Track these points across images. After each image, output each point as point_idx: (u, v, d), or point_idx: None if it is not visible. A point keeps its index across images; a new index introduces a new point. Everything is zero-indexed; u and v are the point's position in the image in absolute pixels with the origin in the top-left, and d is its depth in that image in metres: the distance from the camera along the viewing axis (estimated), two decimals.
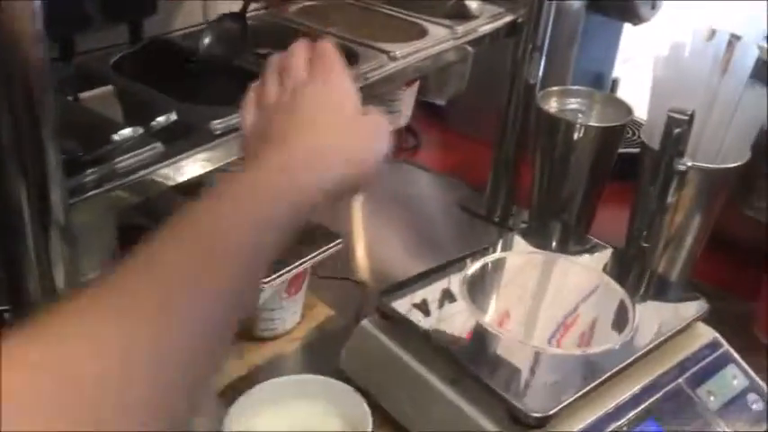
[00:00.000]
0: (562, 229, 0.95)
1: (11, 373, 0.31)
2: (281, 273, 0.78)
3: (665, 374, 0.72)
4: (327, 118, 0.52)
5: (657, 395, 0.71)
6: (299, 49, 0.56)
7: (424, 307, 0.75)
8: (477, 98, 1.16)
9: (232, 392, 0.72)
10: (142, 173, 0.59)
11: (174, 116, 0.57)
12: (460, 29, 0.91)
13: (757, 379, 0.76)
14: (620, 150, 0.99)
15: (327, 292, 0.92)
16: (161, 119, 0.57)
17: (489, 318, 0.74)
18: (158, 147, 0.60)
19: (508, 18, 0.97)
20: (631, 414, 0.68)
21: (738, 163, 0.87)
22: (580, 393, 0.65)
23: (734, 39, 0.88)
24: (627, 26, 1.24)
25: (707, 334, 0.78)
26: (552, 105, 1.00)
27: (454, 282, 0.78)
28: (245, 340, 0.84)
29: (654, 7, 1.17)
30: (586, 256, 0.88)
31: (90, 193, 0.56)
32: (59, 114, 0.48)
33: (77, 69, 0.75)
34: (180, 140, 0.63)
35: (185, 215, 0.43)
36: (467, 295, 0.77)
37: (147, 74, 0.74)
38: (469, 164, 1.21)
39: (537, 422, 0.63)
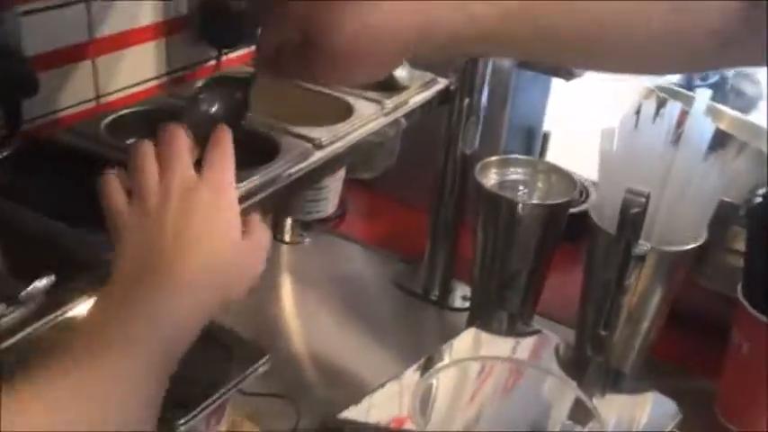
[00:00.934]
0: (508, 313, 0.88)
1: None
2: (198, 411, 0.66)
3: None
4: (213, 241, 0.51)
5: None
6: (183, 135, 0.53)
7: None
8: (408, 163, 1.07)
9: None
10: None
11: (51, 279, 0.45)
12: (389, 102, 0.82)
13: None
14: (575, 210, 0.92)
15: (256, 409, 0.80)
16: (34, 286, 0.44)
17: None
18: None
19: (440, 86, 0.89)
20: None
21: (696, 244, 0.81)
22: None
23: (685, 109, 0.82)
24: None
25: None
26: (492, 178, 0.92)
27: (404, 401, 0.69)
28: None
29: None
30: (536, 347, 0.80)
31: None
32: None
33: None
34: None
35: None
36: (418, 414, 0.67)
37: (23, 186, 0.61)
38: (401, 233, 1.11)
39: None
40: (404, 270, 1.05)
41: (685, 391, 0.83)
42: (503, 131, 1.10)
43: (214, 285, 0.51)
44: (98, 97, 0.90)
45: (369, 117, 0.79)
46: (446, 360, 0.76)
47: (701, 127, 0.79)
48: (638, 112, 0.81)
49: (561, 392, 0.73)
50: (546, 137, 1.24)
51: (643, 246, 0.77)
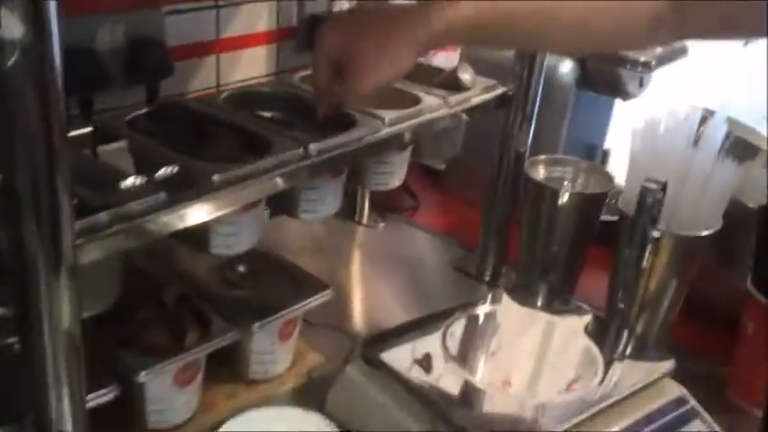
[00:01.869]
0: (547, 289, 1.00)
1: None
2: (273, 317, 0.84)
3: (632, 425, 0.76)
4: None
5: None
6: None
7: (405, 355, 0.80)
8: (472, 165, 1.22)
9: None
10: (146, 218, 0.65)
11: (176, 168, 0.64)
12: (453, 99, 0.98)
13: None
14: (605, 218, 1.05)
15: (318, 340, 0.96)
16: (164, 170, 0.63)
17: (467, 367, 0.79)
18: (162, 195, 0.66)
19: (499, 90, 1.04)
20: None
21: (711, 231, 0.92)
22: None
23: (707, 114, 0.94)
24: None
25: (674, 390, 0.82)
26: (540, 173, 1.06)
27: (437, 332, 0.83)
28: (236, 382, 0.88)
29: (642, 84, 1.24)
30: (568, 317, 0.92)
31: (96, 235, 0.62)
32: (74, 165, 0.54)
33: (96, 125, 0.82)
34: (183, 191, 0.69)
35: None
36: (447, 345, 0.81)
37: (158, 132, 0.81)
38: (463, 225, 1.26)
39: None
40: (461, 255, 1.20)
41: (702, 375, 0.93)
42: (560, 143, 1.23)
43: None
44: (218, 86, 1.11)
45: (432, 108, 0.95)
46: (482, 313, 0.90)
47: (718, 131, 0.91)
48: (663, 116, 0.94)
49: (581, 352, 0.85)
50: (606, 154, 1.37)
51: (659, 229, 0.90)
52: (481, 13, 0.70)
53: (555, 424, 0.72)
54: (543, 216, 1.03)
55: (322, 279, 0.91)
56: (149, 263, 0.92)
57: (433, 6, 0.72)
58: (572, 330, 0.86)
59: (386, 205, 1.31)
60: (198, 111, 0.87)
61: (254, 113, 0.90)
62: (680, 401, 0.81)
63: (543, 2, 0.70)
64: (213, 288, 0.91)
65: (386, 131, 0.88)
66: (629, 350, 0.88)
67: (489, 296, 0.93)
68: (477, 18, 0.70)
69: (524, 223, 1.06)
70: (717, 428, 0.80)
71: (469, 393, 0.76)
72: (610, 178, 1.04)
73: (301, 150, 0.78)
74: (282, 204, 0.88)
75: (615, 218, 1.01)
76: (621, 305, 0.94)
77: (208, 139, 0.82)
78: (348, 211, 1.27)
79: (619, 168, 1.13)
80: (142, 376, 0.74)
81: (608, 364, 0.80)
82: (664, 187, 0.88)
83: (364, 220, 1.27)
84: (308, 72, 1.03)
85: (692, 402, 0.81)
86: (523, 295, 0.96)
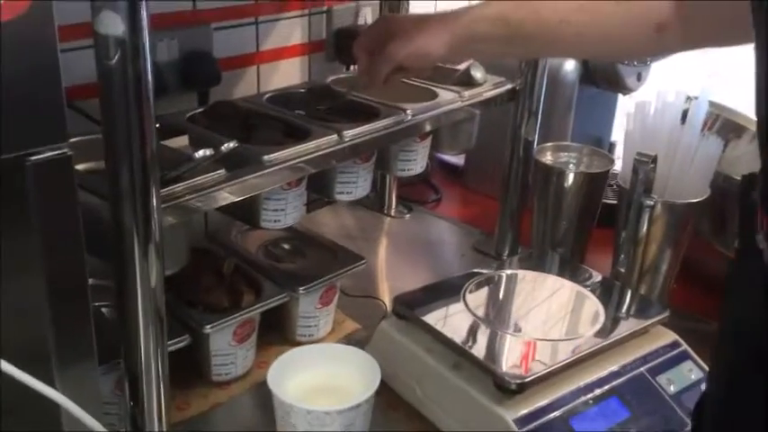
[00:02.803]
0: (558, 259, 1.12)
1: None
2: (316, 283, 0.96)
3: (630, 364, 0.88)
4: None
5: (621, 379, 0.86)
6: None
7: (432, 308, 0.92)
8: (489, 161, 1.36)
9: None
10: (210, 190, 0.79)
11: (235, 143, 0.77)
12: (467, 94, 1.11)
13: None
14: (608, 201, 1.17)
15: (355, 310, 1.09)
16: (226, 145, 0.76)
17: (484, 318, 0.91)
18: (222, 172, 0.80)
19: (508, 86, 1.17)
20: (597, 392, 0.84)
21: (699, 199, 1.03)
22: (552, 368, 0.81)
23: (693, 98, 1.06)
24: None
25: (668, 336, 0.93)
26: (547, 158, 1.18)
27: (458, 289, 0.95)
28: (284, 345, 1.01)
29: (640, 79, 1.36)
30: (576, 279, 1.04)
31: (173, 202, 0.76)
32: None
33: (160, 122, 0.96)
34: (239, 169, 0.82)
35: None
36: (467, 300, 0.93)
37: (213, 126, 0.95)
38: (482, 215, 1.38)
39: (518, 387, 0.79)
40: (481, 238, 1.32)
41: (698, 332, 1.03)
42: (567, 135, 1.35)
43: None
44: (259, 93, 1.25)
45: (448, 101, 1.08)
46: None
47: (701, 110, 1.03)
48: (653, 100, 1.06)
49: (584, 303, 0.97)
50: (612, 145, 1.49)
51: (653, 198, 1.01)
52: (502, 11, 0.81)
53: (558, 358, 0.83)
54: (552, 195, 1.15)
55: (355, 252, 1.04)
56: (209, 243, 1.06)
57: (463, 9, 0.85)
58: (578, 290, 0.97)
59: (411, 198, 1.44)
60: (245, 108, 1.01)
61: (292, 110, 1.04)
62: (673, 345, 0.92)
63: (558, 2, 0.78)
64: (262, 262, 1.04)
65: (408, 121, 1.01)
66: (629, 305, 0.99)
67: (506, 263, 1.06)
68: (499, 14, 0.81)
69: (535, 203, 1.18)
70: (706, 368, 0.91)
71: (486, 337, 0.88)
72: (611, 159, 1.16)
73: (336, 136, 0.92)
74: (320, 188, 1.01)
75: (616, 201, 1.13)
76: (620, 268, 1.06)
77: (255, 129, 0.95)
78: (377, 204, 1.41)
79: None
80: (207, 329, 0.88)
81: (609, 316, 0.92)
82: (654, 160, 1.00)
83: (392, 212, 1.40)
84: (337, 76, 1.18)
85: (684, 346, 0.92)
86: (536, 263, 1.07)
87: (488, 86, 1.15)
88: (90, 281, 0.62)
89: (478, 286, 0.97)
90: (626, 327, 0.90)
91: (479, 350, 0.85)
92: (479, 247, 1.30)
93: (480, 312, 0.92)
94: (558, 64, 1.30)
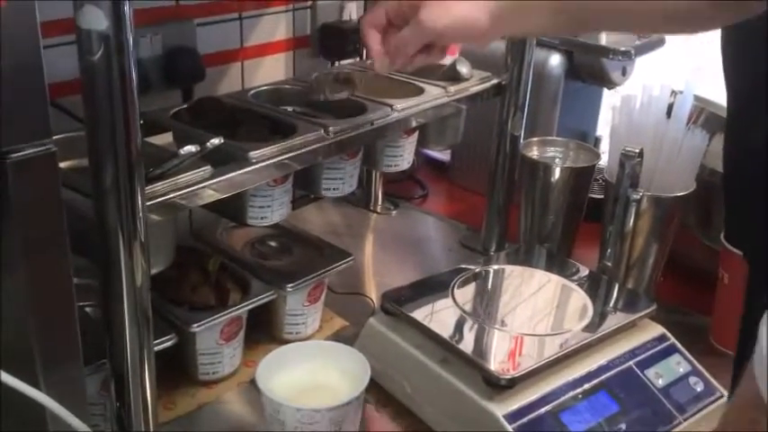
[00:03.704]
0: (546, 253, 1.12)
1: None
2: (303, 280, 0.96)
3: (618, 358, 0.88)
4: None
5: (610, 373, 0.86)
6: None
7: (420, 304, 0.92)
8: (476, 157, 1.36)
9: None
10: (195, 187, 0.78)
11: (221, 140, 0.76)
12: (453, 89, 1.10)
13: (699, 366, 0.91)
14: (594, 196, 1.17)
15: (342, 307, 1.08)
16: (213, 141, 0.75)
17: (473, 311, 0.91)
18: (208, 168, 0.79)
19: (494, 81, 1.16)
20: (586, 386, 0.84)
21: (685, 192, 1.04)
22: (540, 363, 0.81)
23: (676, 92, 1.06)
24: None
25: (656, 329, 0.93)
26: (534, 152, 1.18)
27: (446, 285, 0.95)
28: (272, 343, 1.00)
29: (624, 74, 1.37)
30: (563, 273, 1.04)
31: (158, 200, 0.75)
32: None
33: (144, 119, 0.95)
34: (225, 166, 0.82)
35: None
36: (455, 296, 0.93)
37: (198, 122, 0.94)
38: (468, 211, 1.38)
39: (507, 383, 0.79)
40: (468, 234, 1.32)
41: (685, 324, 1.04)
42: (553, 130, 1.35)
43: None
44: (243, 90, 1.24)
45: (434, 96, 1.08)
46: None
47: (686, 104, 1.03)
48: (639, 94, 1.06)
49: (571, 297, 0.97)
50: (597, 140, 1.49)
51: (638, 191, 1.01)
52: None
53: (547, 353, 0.83)
54: (539, 189, 1.15)
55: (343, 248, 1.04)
56: (195, 242, 1.05)
57: None
58: (566, 284, 0.97)
59: (398, 195, 1.44)
60: (230, 104, 1.00)
61: (277, 106, 1.03)
62: (661, 338, 0.92)
63: None
64: (249, 260, 1.04)
65: (394, 116, 1.01)
66: (616, 299, 0.99)
67: (494, 258, 1.05)
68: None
69: (522, 198, 1.18)
70: (694, 361, 0.91)
71: (474, 333, 0.88)
72: (596, 154, 1.16)
73: (322, 132, 0.91)
74: (307, 184, 1.01)
75: (602, 196, 1.13)
76: (609, 263, 1.06)
77: (241, 126, 0.94)
78: (363, 201, 1.40)
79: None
80: (194, 328, 0.87)
81: (597, 311, 0.92)
82: (640, 154, 1.00)
83: (379, 208, 1.39)
84: (323, 72, 1.17)
85: (672, 339, 0.92)
86: (524, 258, 1.07)
87: (475, 81, 1.15)
88: (74, 280, 0.62)
89: (466, 282, 0.97)
90: (614, 321, 0.90)
91: (468, 346, 0.85)
92: (466, 242, 1.30)
93: (469, 308, 0.92)
94: (543, 58, 1.30)
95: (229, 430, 0.89)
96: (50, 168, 0.55)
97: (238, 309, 0.91)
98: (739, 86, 0.85)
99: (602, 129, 1.49)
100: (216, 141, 0.75)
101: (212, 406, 0.91)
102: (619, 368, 0.87)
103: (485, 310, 0.94)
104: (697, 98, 1.08)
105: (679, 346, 0.92)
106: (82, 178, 0.70)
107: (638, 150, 0.99)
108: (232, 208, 0.90)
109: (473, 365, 0.82)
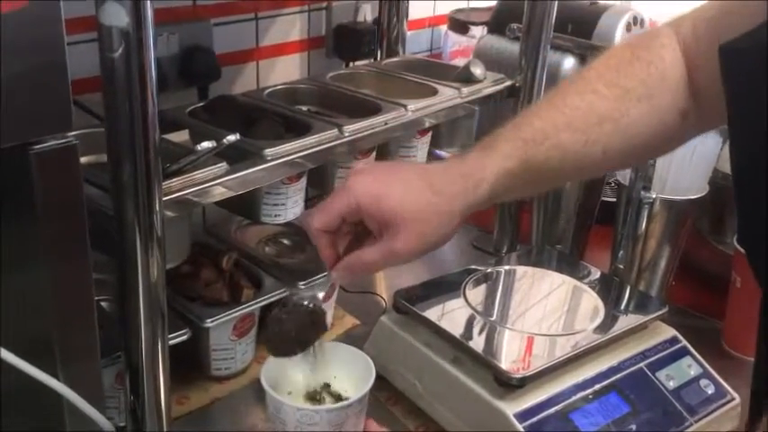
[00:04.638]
0: (558, 255, 1.12)
1: None
2: (315, 278, 0.96)
3: (629, 359, 0.88)
4: None
5: (621, 374, 0.86)
6: None
7: (432, 303, 0.92)
8: None
9: None
10: (211, 183, 0.79)
11: (237, 136, 0.77)
12: (466, 90, 1.11)
13: (710, 369, 0.91)
14: (606, 199, 1.17)
15: (354, 305, 1.09)
16: (229, 137, 0.76)
17: (485, 311, 0.91)
18: (224, 165, 0.80)
19: (508, 82, 1.17)
20: (597, 387, 0.84)
21: (698, 195, 1.04)
22: (552, 363, 0.81)
23: None
24: None
25: (667, 331, 0.93)
26: None
27: (457, 285, 0.95)
28: None
29: None
30: (575, 275, 1.04)
31: (173, 196, 0.75)
32: None
33: (161, 117, 0.96)
34: (240, 163, 0.82)
35: None
36: (466, 296, 0.94)
37: (214, 120, 0.95)
38: (481, 212, 1.34)
39: (518, 382, 0.79)
40: (480, 236, 1.32)
41: (697, 328, 1.04)
42: None
43: None
44: (258, 89, 1.25)
45: (448, 97, 1.08)
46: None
47: None
48: None
49: (583, 299, 0.97)
50: None
51: (651, 194, 1.02)
52: (521, 158, 0.71)
53: (558, 354, 0.83)
54: (551, 191, 1.15)
55: None
56: (208, 237, 1.06)
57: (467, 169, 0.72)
58: (578, 285, 0.98)
59: None
60: (246, 103, 1.01)
61: (292, 105, 1.04)
62: (673, 340, 0.92)
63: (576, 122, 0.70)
64: (262, 257, 1.04)
65: (408, 116, 1.01)
66: (628, 301, 0.99)
67: (505, 259, 1.06)
68: (519, 161, 0.71)
69: (534, 200, 1.18)
70: (706, 364, 0.91)
71: (486, 332, 0.88)
72: None
73: (336, 131, 0.92)
74: (319, 183, 1.01)
75: (615, 199, 1.13)
76: (621, 266, 1.06)
77: (256, 124, 0.95)
78: None
79: None
80: (207, 323, 0.88)
81: (609, 312, 0.92)
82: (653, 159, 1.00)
83: None
84: (338, 72, 1.18)
85: (684, 342, 0.93)
86: (535, 260, 1.07)
87: (488, 83, 1.15)
88: None
89: (478, 282, 0.97)
90: (625, 322, 0.91)
91: (479, 345, 0.85)
92: (478, 244, 1.30)
93: (480, 308, 0.92)
94: (557, 61, 1.29)
95: (241, 425, 0.90)
96: (72, 160, 0.56)
97: (251, 305, 0.92)
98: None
99: None
100: (232, 138, 0.76)
101: (224, 401, 0.92)
102: (630, 369, 0.87)
103: (497, 310, 0.94)
104: None
105: (690, 348, 0.92)
106: (100, 173, 0.71)
107: None
108: (246, 205, 0.91)
109: (484, 364, 0.82)
